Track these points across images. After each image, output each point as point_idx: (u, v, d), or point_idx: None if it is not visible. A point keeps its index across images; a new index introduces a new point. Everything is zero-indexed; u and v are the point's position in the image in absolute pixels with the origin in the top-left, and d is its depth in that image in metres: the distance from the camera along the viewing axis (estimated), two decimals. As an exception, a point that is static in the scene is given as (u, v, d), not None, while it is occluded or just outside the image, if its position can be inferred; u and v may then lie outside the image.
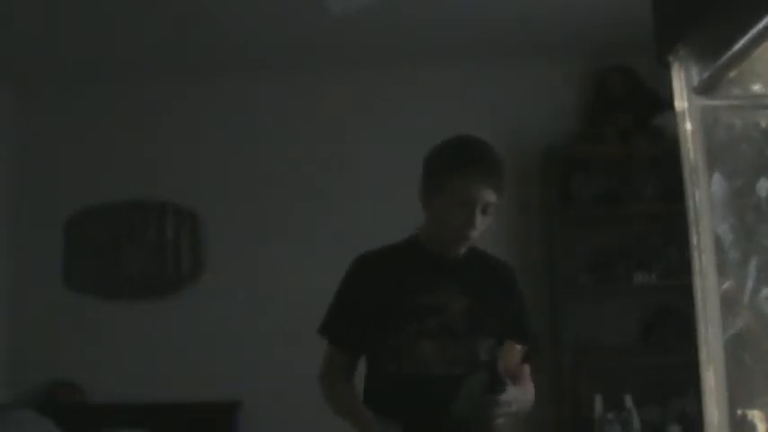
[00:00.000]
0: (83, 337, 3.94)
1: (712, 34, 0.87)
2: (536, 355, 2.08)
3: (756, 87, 0.96)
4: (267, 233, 3.97)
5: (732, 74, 0.90)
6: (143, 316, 3.96)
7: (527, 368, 2.05)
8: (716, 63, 0.87)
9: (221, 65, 3.95)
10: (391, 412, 1.83)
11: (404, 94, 3.99)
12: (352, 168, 3.97)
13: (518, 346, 1.74)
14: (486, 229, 1.91)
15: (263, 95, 4.07)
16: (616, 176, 3.75)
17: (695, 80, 0.94)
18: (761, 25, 0.77)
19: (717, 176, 0.95)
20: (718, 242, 0.95)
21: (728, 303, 0.94)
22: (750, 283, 0.94)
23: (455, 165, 1.86)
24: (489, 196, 1.85)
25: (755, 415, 0.93)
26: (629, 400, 3.45)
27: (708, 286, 0.94)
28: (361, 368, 2.04)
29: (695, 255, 0.96)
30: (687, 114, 0.97)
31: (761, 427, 0.92)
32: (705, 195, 0.95)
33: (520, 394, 1.86)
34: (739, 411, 0.93)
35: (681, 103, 0.98)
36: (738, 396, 0.93)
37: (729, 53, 0.84)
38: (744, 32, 0.80)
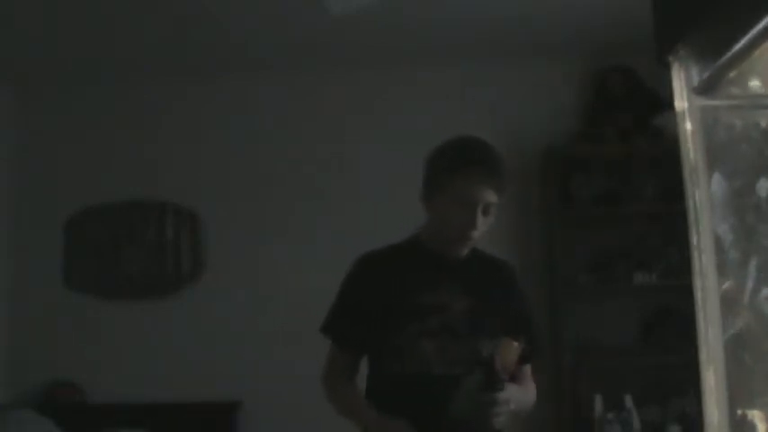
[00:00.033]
0: (83, 337, 3.94)
1: (712, 34, 0.87)
2: (537, 354, 2.08)
3: (756, 87, 0.96)
4: (267, 233, 3.97)
5: (732, 74, 0.90)
6: (143, 316, 3.96)
7: (528, 368, 2.05)
8: (716, 63, 0.87)
9: (221, 65, 3.95)
10: (393, 412, 1.84)
11: (404, 94, 3.99)
12: (352, 168, 3.97)
13: (515, 344, 1.74)
14: (487, 229, 1.91)
15: (263, 95, 4.07)
16: (616, 176, 3.75)
17: (695, 80, 0.94)
18: (761, 25, 0.77)
19: (717, 176, 0.95)
20: (718, 242, 0.95)
21: (728, 303, 0.94)
22: (750, 283, 0.94)
23: (456, 165, 1.86)
24: (490, 197, 1.86)
25: (755, 415, 0.93)
26: (629, 400, 3.45)
27: (708, 286, 0.94)
28: (363, 368, 2.04)
29: (695, 255, 0.96)
30: (687, 114, 0.97)
31: (761, 427, 0.92)
32: (705, 195, 0.95)
33: (519, 393, 1.86)
34: (739, 411, 0.93)
35: (681, 103, 0.98)
36: (738, 396, 0.93)
37: (729, 53, 0.84)
38: (744, 32, 0.80)
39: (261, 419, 3.76)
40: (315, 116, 4.03)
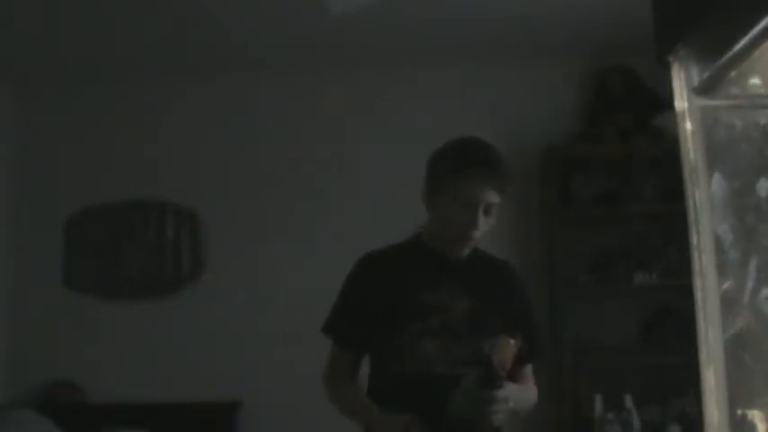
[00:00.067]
0: (83, 337, 3.94)
1: (712, 34, 0.87)
2: (538, 355, 2.08)
3: (756, 87, 0.96)
4: (267, 233, 3.97)
5: (732, 74, 0.90)
6: (143, 316, 3.96)
7: (529, 368, 2.05)
8: (716, 63, 0.87)
9: (221, 65, 3.95)
10: (394, 411, 1.84)
11: (404, 94, 4.00)
12: (352, 168, 3.97)
13: (512, 341, 1.74)
14: (489, 229, 1.92)
15: (263, 95, 4.07)
16: (616, 176, 3.75)
17: (695, 80, 0.94)
18: (761, 25, 0.77)
19: (717, 176, 0.95)
20: (718, 242, 0.95)
21: (728, 303, 0.94)
22: (750, 283, 0.94)
23: (459, 166, 1.87)
24: (492, 197, 1.86)
25: (755, 415, 0.93)
26: (629, 400, 3.45)
27: (708, 286, 0.94)
28: (364, 368, 2.04)
29: (695, 255, 0.96)
30: (687, 114, 0.97)
31: (761, 427, 0.92)
32: (705, 195, 0.95)
33: (519, 392, 1.86)
34: (739, 411, 0.93)
35: (681, 103, 0.98)
36: (738, 396, 0.93)
37: (729, 53, 0.84)
38: (744, 32, 0.80)
39: (261, 419, 3.76)
40: (315, 116, 4.03)
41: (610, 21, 3.40)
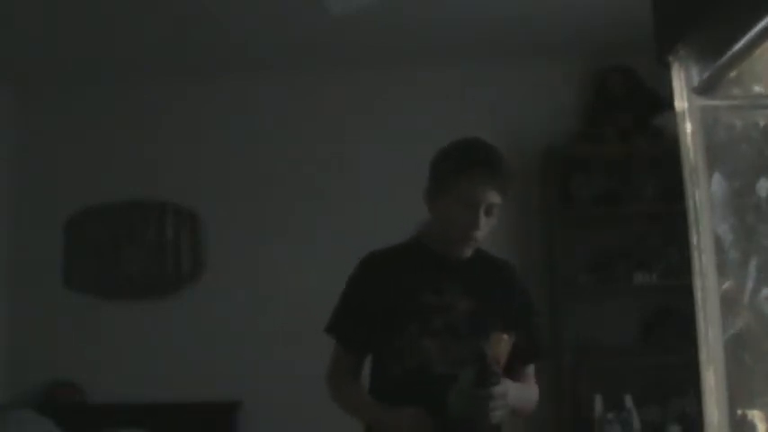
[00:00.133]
0: (83, 337, 3.94)
1: (712, 34, 0.87)
2: (540, 355, 2.08)
3: (756, 87, 0.96)
4: (267, 233, 3.97)
5: (732, 74, 0.90)
6: (143, 316, 3.96)
7: (531, 369, 2.05)
8: (716, 63, 0.87)
9: (221, 65, 3.95)
10: None
11: (404, 94, 4.00)
12: (352, 168, 3.97)
13: (505, 336, 1.74)
14: (490, 230, 1.92)
15: (263, 95, 4.07)
16: (616, 176, 3.75)
17: (695, 80, 0.94)
18: (761, 25, 0.77)
19: (717, 176, 0.95)
20: (718, 242, 0.95)
21: (728, 303, 0.94)
22: (750, 283, 0.94)
23: (462, 167, 1.87)
24: (494, 198, 1.87)
25: (755, 415, 0.93)
26: (629, 400, 3.45)
27: (708, 286, 0.94)
28: (366, 368, 2.04)
29: (695, 255, 0.96)
30: (687, 114, 0.97)
31: (761, 427, 0.92)
32: (705, 195, 0.95)
33: (518, 390, 1.86)
34: (739, 411, 0.93)
35: (681, 103, 0.98)
36: (738, 396, 0.93)
37: (729, 53, 0.84)
38: (744, 32, 0.80)
39: (261, 419, 3.76)
40: (315, 116, 4.03)
41: (610, 21, 3.40)
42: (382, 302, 1.94)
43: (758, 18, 0.77)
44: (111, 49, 3.72)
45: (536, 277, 3.67)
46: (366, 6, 2.53)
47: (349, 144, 3.99)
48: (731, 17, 0.82)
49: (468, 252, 1.95)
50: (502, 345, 1.73)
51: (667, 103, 3.22)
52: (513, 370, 1.87)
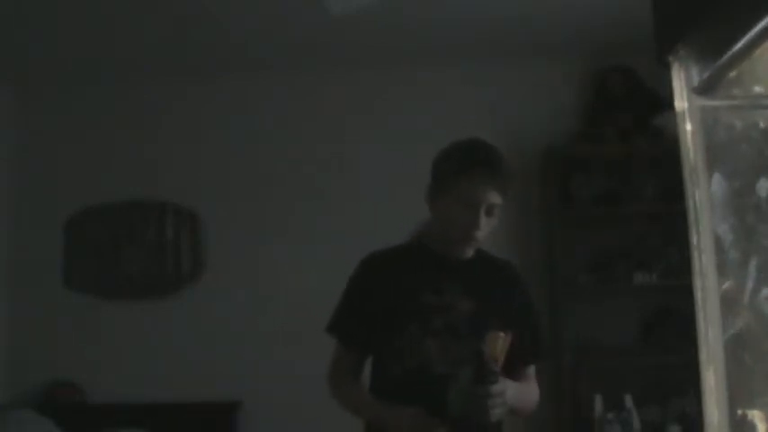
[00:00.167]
0: (83, 337, 3.94)
1: (712, 34, 0.87)
2: (541, 355, 2.08)
3: (756, 87, 0.96)
4: (267, 233, 3.97)
5: (732, 74, 0.90)
6: (143, 316, 3.96)
7: (532, 369, 2.05)
8: (716, 63, 0.87)
9: (221, 65, 3.95)
10: None
11: (404, 94, 3.99)
12: (352, 168, 3.97)
13: (501, 334, 1.74)
14: (491, 230, 1.92)
15: (263, 95, 4.07)
16: (616, 176, 3.75)
17: (695, 80, 0.94)
18: (761, 25, 0.77)
19: (717, 176, 0.95)
20: (718, 242, 0.95)
21: (728, 303, 0.94)
22: (750, 283, 0.94)
23: (463, 167, 1.88)
24: (494, 198, 1.87)
25: (755, 415, 0.93)
26: (629, 400, 3.45)
27: (708, 286, 0.94)
28: (366, 369, 2.05)
29: (695, 255, 0.96)
30: (687, 114, 0.97)
31: (761, 427, 0.92)
32: (705, 195, 0.95)
33: (517, 389, 1.86)
34: (739, 411, 0.93)
35: (681, 103, 0.98)
36: (738, 396, 0.93)
37: (729, 53, 0.84)
38: (744, 32, 0.80)
39: (261, 419, 3.76)
40: (315, 116, 4.03)
41: (610, 21, 3.40)
42: (383, 302, 1.94)
43: (758, 18, 0.77)
44: (111, 49, 3.72)
45: (536, 277, 3.67)
46: (366, 6, 2.53)
47: (349, 144, 3.99)
48: (731, 17, 0.82)
49: (469, 252, 1.96)
50: (499, 343, 1.73)
51: (667, 103, 3.22)
52: (513, 370, 1.87)
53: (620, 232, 3.79)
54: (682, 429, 3.42)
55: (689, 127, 0.96)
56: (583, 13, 3.41)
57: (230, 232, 4.00)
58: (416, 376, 1.88)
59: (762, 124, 0.97)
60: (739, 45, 0.81)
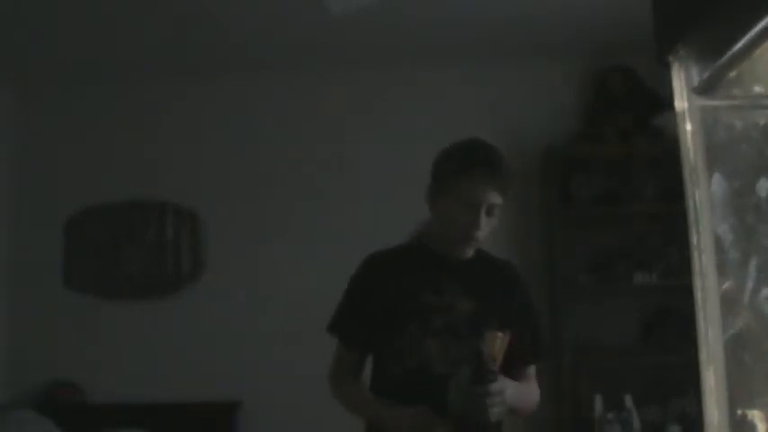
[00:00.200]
0: (83, 337, 3.94)
1: (712, 34, 0.87)
2: (541, 356, 2.08)
3: (756, 87, 0.96)
4: (267, 233, 3.97)
5: (732, 74, 0.90)
6: (143, 316, 3.96)
7: (532, 369, 2.05)
8: (716, 63, 0.87)
9: (221, 65, 3.95)
10: None
11: (404, 94, 4.00)
12: (352, 168, 3.97)
13: (499, 334, 1.74)
14: (491, 230, 1.92)
15: (263, 95, 4.07)
16: (616, 176, 3.75)
17: (695, 80, 0.94)
18: (761, 25, 0.77)
19: (717, 176, 0.95)
20: (718, 242, 0.95)
21: (728, 303, 0.94)
22: (750, 283, 0.94)
23: (463, 167, 1.88)
24: (494, 198, 1.87)
25: (755, 415, 0.93)
26: (629, 400, 3.45)
27: (708, 286, 0.94)
28: (367, 369, 2.05)
29: (695, 255, 0.96)
30: (687, 114, 0.97)
31: (761, 427, 0.92)
32: (705, 195, 0.95)
33: (516, 388, 1.86)
34: (739, 411, 0.93)
35: (681, 103, 0.98)
36: (738, 396, 0.93)
37: (729, 53, 0.84)
38: (744, 32, 0.80)
39: (261, 419, 3.76)
40: (315, 116, 4.03)
41: (610, 21, 3.40)
42: (383, 302, 1.94)
43: (758, 18, 0.77)
44: (111, 49, 3.72)
45: (536, 277, 3.67)
46: (366, 6, 2.53)
47: (349, 144, 3.99)
48: (731, 17, 0.82)
49: (469, 252, 1.96)
50: (497, 342, 1.73)
51: (667, 103, 3.22)
52: (514, 370, 1.87)
53: (620, 232, 3.79)
54: (682, 429, 3.42)
55: (689, 127, 0.96)
56: (583, 13, 3.41)
57: (230, 232, 4.00)
58: (416, 376, 1.88)
59: (762, 124, 0.97)
60: (739, 45, 0.81)
